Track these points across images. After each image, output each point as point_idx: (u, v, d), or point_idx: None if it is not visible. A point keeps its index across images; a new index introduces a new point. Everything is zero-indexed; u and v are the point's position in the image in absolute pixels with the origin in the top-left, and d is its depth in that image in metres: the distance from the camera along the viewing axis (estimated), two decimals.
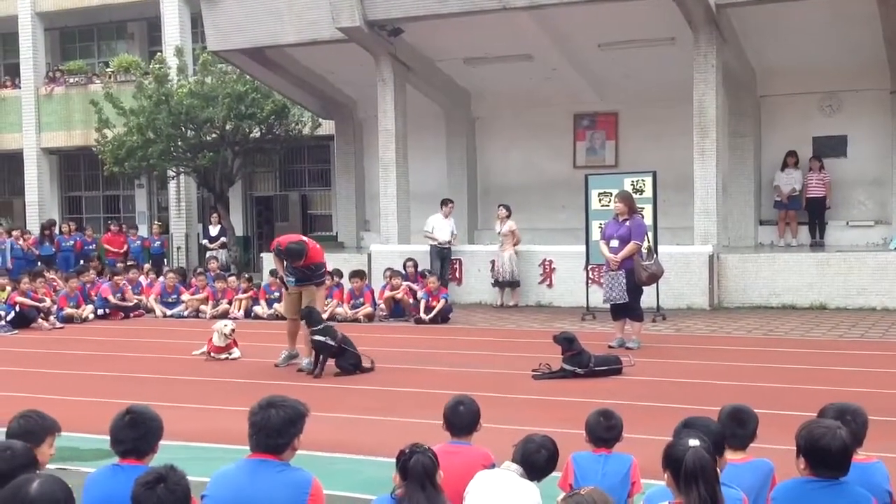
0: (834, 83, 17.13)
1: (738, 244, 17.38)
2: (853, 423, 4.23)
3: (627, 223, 10.93)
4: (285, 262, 10.53)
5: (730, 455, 4.35)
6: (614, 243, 10.94)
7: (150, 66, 21.08)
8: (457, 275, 16.70)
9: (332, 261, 17.56)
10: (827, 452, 3.70)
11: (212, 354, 10.93)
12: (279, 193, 25.82)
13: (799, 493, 3.76)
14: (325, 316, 13.95)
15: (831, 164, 17.26)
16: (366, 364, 10.07)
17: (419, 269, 15.59)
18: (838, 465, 3.72)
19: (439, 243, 16.38)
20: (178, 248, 24.76)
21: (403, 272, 15.31)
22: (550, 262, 16.08)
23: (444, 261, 16.39)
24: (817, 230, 17.03)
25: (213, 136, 21.05)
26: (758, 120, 17.84)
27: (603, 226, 11.72)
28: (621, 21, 15.71)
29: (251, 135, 21.38)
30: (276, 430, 3.88)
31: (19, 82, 26.60)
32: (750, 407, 4.45)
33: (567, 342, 9.26)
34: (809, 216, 17.11)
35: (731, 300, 15.12)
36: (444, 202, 17.02)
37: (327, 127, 22.44)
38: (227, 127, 20.74)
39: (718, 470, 3.88)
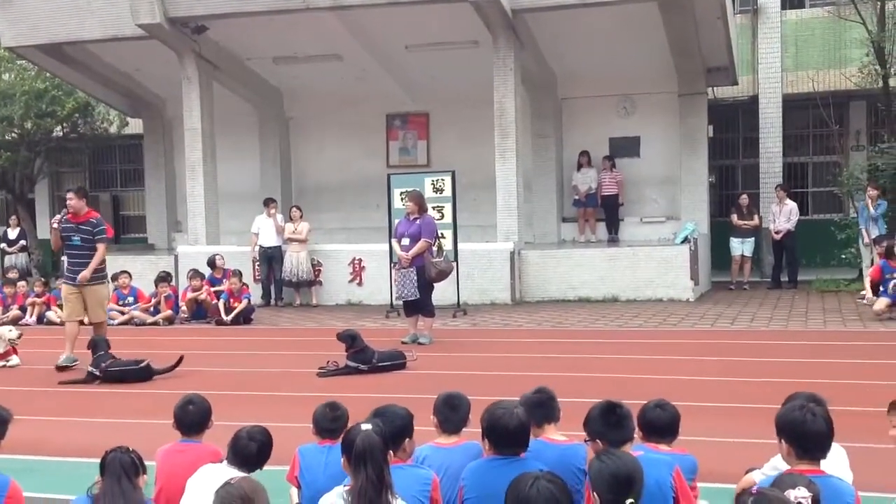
0: (629, 86, 18.10)
1: (543, 240, 18.09)
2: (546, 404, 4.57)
3: (418, 222, 11.22)
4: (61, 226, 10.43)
5: (443, 440, 4.60)
6: (406, 241, 11.21)
7: None
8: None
9: (139, 263, 17.26)
10: (505, 430, 3.98)
11: None
12: (89, 194, 24.82)
13: (483, 471, 4.02)
14: (123, 318, 13.80)
15: (626, 164, 18.23)
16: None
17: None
18: (516, 442, 4.01)
19: (263, 245, 16.22)
20: None
21: (209, 272, 15.07)
22: (360, 260, 16.25)
23: (272, 261, 16.22)
24: (613, 226, 17.94)
25: (13, 135, 20.10)
26: (559, 121, 18.63)
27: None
28: (425, 24, 16.04)
29: (53, 133, 20.53)
30: None
31: None
32: (462, 393, 4.70)
33: (350, 339, 9.43)
34: (606, 213, 18.01)
35: (532, 295, 15.72)
36: (266, 202, 16.83)
37: (137, 125, 21.83)
38: (27, 125, 19.85)
39: (408, 452, 4.12)
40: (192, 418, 4.83)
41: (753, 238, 17.16)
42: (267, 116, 20.10)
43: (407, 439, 4.07)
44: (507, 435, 3.99)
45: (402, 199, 14.67)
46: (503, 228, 15.89)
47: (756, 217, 17.34)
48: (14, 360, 10.59)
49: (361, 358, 9.39)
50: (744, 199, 17.45)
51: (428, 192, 14.18)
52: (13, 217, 20.13)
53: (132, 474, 3.74)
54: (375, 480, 3.39)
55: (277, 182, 20.07)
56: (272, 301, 16.22)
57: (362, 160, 19.79)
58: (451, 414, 4.60)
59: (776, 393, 4.56)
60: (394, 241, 11.54)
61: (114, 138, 22.19)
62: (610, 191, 17.90)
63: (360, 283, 16.26)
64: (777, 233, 16.92)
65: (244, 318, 13.89)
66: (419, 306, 11.29)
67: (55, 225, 10.66)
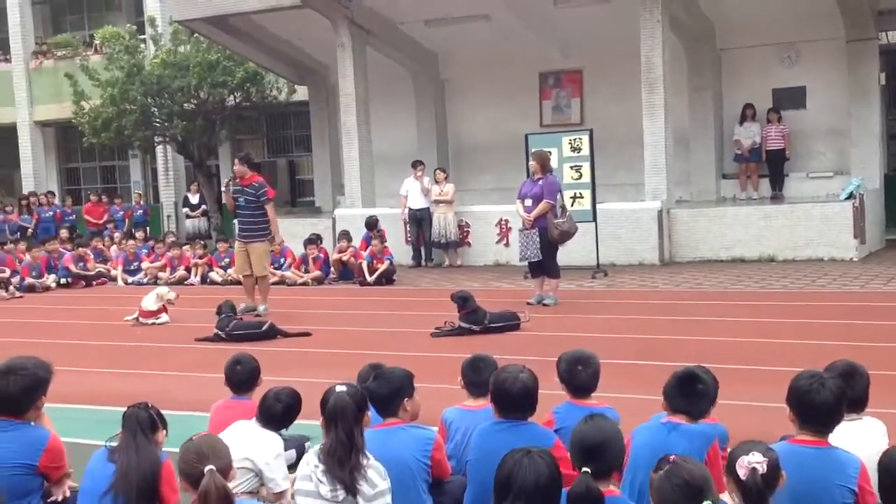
0: (792, 34, 16.97)
1: (701, 198, 17.42)
2: (584, 372, 4.50)
3: (541, 182, 11.10)
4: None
5: (470, 402, 4.65)
6: (528, 202, 11.13)
7: (121, 37, 21.38)
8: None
9: (301, 226, 18.02)
10: (507, 395, 3.96)
11: (140, 320, 11.29)
12: (267, 160, 26.06)
13: (489, 434, 4.02)
14: (275, 279, 14.50)
15: (791, 116, 17.18)
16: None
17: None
18: (520, 406, 3.98)
19: (412, 208, 16.52)
20: (169, 216, 25.22)
21: (365, 232, 15.50)
22: (507, 221, 16.19)
23: (421, 223, 16.48)
24: (777, 182, 17.02)
25: (191, 104, 21.34)
26: (718, 73, 17.76)
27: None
28: None
29: (226, 102, 21.63)
30: (12, 398, 4.13)
31: (10, 57, 27.06)
32: (489, 356, 4.71)
33: (462, 300, 9.51)
34: (769, 168, 17.09)
35: (682, 255, 15.22)
36: (414, 164, 17.13)
37: (306, 92, 22.61)
38: (202, 95, 21.02)
39: (409, 412, 4.15)
40: (240, 377, 5.07)
41: None
42: (422, 79, 20.31)
43: (406, 399, 4.09)
44: (510, 399, 3.97)
45: None
46: (651, 187, 15.42)
47: None
48: (163, 317, 11.36)
49: (473, 319, 9.47)
50: None
51: (566, 152, 13.99)
52: (194, 183, 21.48)
53: (148, 430, 3.92)
54: (345, 440, 3.46)
55: (433, 144, 20.30)
56: (422, 262, 16.52)
57: (516, 120, 19.55)
58: (475, 377, 4.64)
59: (868, 358, 4.25)
60: (517, 202, 11.46)
61: (286, 105, 23.07)
62: (775, 145, 16.91)
63: (506, 244, 16.23)
64: None
65: (386, 278, 14.23)
66: (543, 268, 11.21)
67: (225, 189, 11.85)
